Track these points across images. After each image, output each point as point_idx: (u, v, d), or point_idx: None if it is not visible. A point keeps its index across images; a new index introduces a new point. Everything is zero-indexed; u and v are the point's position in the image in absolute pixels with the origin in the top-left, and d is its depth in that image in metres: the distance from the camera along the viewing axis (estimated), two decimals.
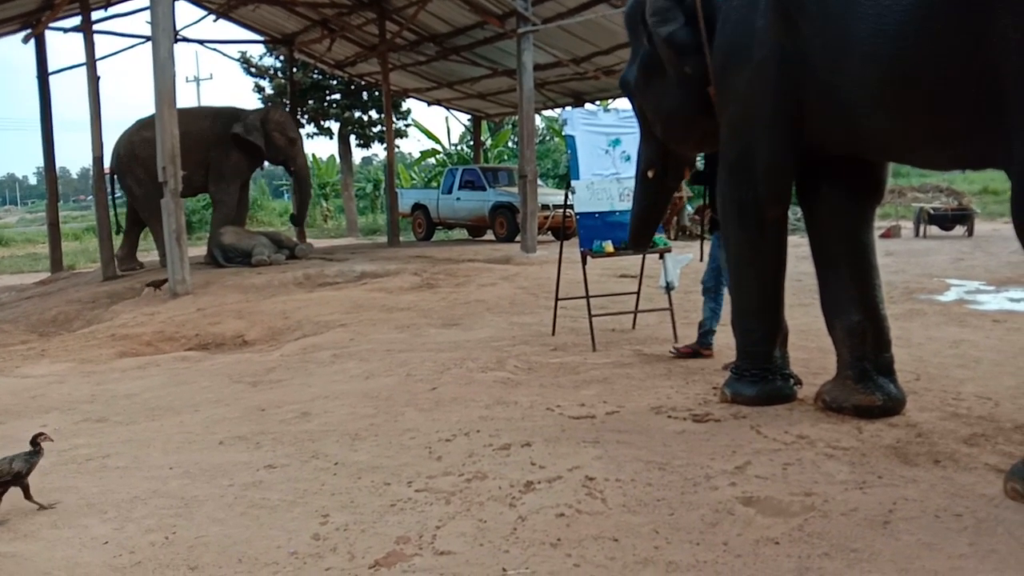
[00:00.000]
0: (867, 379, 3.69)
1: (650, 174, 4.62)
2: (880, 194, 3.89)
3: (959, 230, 14.66)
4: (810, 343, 5.26)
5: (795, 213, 5.21)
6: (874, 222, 3.92)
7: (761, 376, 4.00)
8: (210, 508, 2.95)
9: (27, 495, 2.97)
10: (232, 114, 13.37)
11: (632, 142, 6.06)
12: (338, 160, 26.30)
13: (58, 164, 15.15)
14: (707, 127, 4.06)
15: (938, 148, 3.25)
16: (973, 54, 2.79)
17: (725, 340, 4.87)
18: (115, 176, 13.36)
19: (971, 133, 2.97)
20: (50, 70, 13.88)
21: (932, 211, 14.86)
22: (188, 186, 12.79)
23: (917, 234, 14.75)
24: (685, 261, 6.17)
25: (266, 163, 14.56)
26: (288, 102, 18.13)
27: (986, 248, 11.86)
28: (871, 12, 3.03)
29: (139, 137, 12.60)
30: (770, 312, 4.04)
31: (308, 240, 15.09)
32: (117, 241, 13.17)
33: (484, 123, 22.24)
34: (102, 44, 13.03)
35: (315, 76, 20.79)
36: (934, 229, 14.79)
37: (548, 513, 2.78)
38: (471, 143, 23.57)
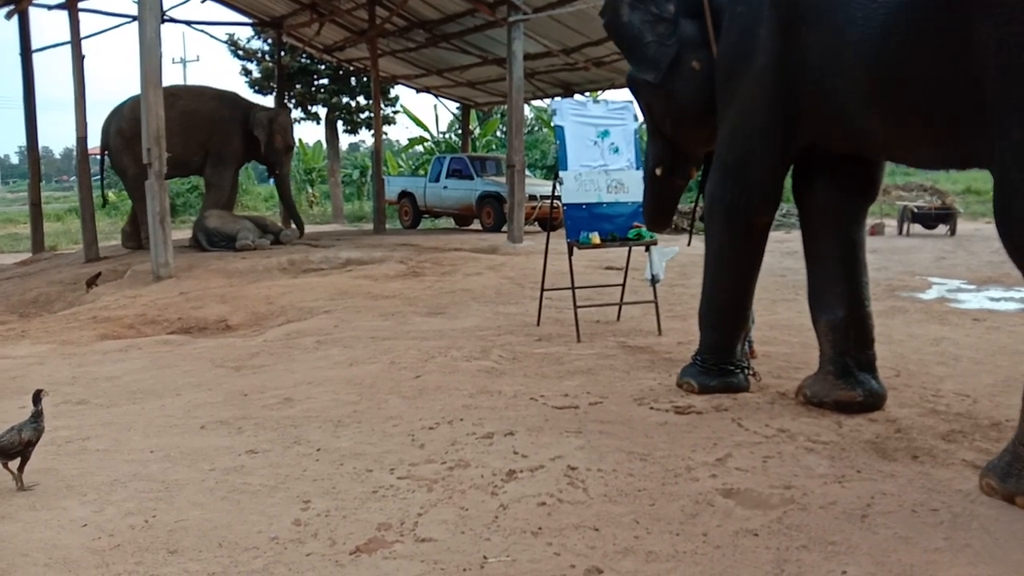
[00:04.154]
0: (848, 375, 3.74)
1: (658, 171, 4.59)
2: (874, 193, 3.94)
3: (942, 229, 14.78)
4: (793, 338, 5.30)
5: (781, 209, 5.24)
6: (866, 220, 3.95)
7: (724, 369, 4.11)
8: (191, 492, 2.94)
9: (23, 465, 2.98)
10: (236, 99, 13.37)
11: (621, 134, 6.08)
12: (325, 146, 26.09)
13: (41, 144, 14.93)
14: (715, 122, 4.05)
15: (929, 148, 3.30)
16: (956, 56, 2.83)
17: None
18: (105, 154, 13.11)
19: (958, 133, 3.01)
20: (34, 48, 13.63)
21: (916, 209, 14.97)
22: (186, 167, 12.76)
23: (900, 232, 14.87)
24: (671, 254, 6.20)
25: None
26: (275, 86, 17.99)
27: (968, 247, 11.97)
28: (859, 15, 3.10)
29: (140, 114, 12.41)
30: (740, 310, 4.13)
31: (293, 226, 15.00)
32: (99, 220, 12.99)
33: (473, 112, 22.15)
34: (87, 22, 12.90)
35: (303, 60, 20.59)
36: (917, 227, 14.91)
37: (530, 502, 2.79)
38: (459, 131, 23.48)
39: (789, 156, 3.80)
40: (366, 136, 27.00)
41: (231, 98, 13.34)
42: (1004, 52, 2.66)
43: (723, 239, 4.03)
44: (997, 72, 2.69)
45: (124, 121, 12.42)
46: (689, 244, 5.49)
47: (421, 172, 22.61)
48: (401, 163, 27.89)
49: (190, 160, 12.42)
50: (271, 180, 18.63)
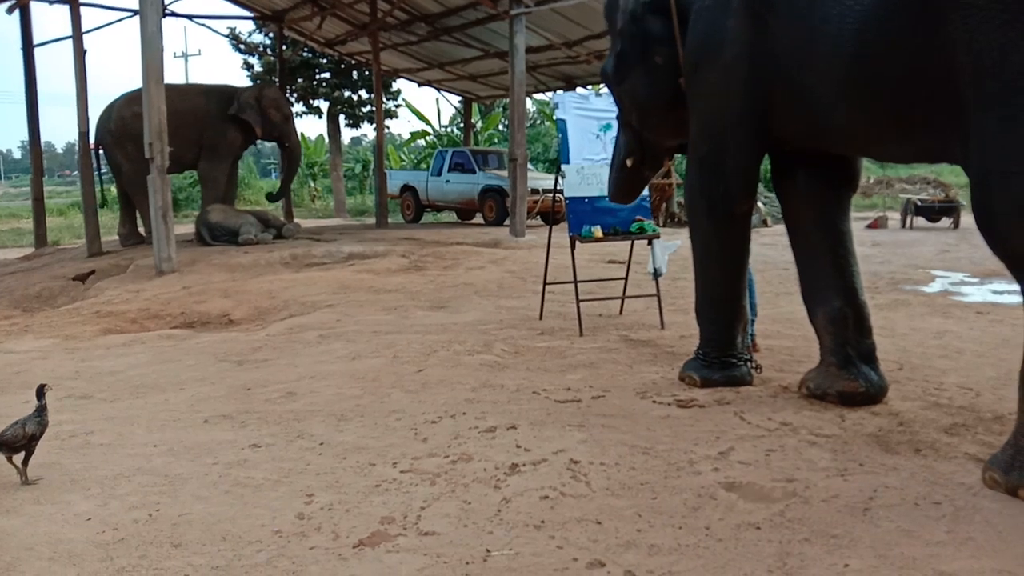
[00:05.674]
0: (850, 365, 3.74)
1: (628, 163, 4.65)
2: (855, 183, 3.97)
3: (945, 222, 14.75)
4: (795, 331, 5.30)
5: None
6: (850, 210, 3.97)
7: (726, 362, 4.12)
8: (194, 486, 2.95)
9: (27, 459, 2.99)
10: (224, 91, 13.25)
11: None
12: (327, 140, 26.05)
13: (43, 138, 14.98)
14: (680, 117, 4.12)
15: (899, 143, 3.32)
16: (929, 53, 2.84)
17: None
18: (100, 151, 13.09)
19: (929, 128, 3.03)
20: (35, 42, 13.62)
21: (919, 202, 14.95)
22: (178, 163, 12.71)
23: (904, 225, 14.84)
24: (673, 247, 6.20)
25: (257, 141, 14.50)
26: (277, 80, 17.96)
27: (971, 240, 11.93)
28: (834, 12, 3.12)
29: (130, 111, 12.24)
30: (734, 301, 4.14)
31: (295, 220, 15.01)
32: (102, 215, 12.99)
33: (475, 105, 22.12)
34: (89, 17, 12.87)
35: (305, 54, 20.56)
36: (920, 220, 14.88)
37: (532, 495, 2.79)
38: (461, 125, 23.43)
39: (763, 145, 3.84)
40: (368, 130, 26.90)
41: (219, 91, 13.22)
42: (977, 49, 2.66)
43: (707, 231, 4.09)
44: (971, 69, 2.69)
45: (115, 119, 12.46)
46: None
47: (423, 166, 22.60)
48: (403, 157, 27.88)
49: (182, 158, 12.31)
50: (273, 175, 18.64)
